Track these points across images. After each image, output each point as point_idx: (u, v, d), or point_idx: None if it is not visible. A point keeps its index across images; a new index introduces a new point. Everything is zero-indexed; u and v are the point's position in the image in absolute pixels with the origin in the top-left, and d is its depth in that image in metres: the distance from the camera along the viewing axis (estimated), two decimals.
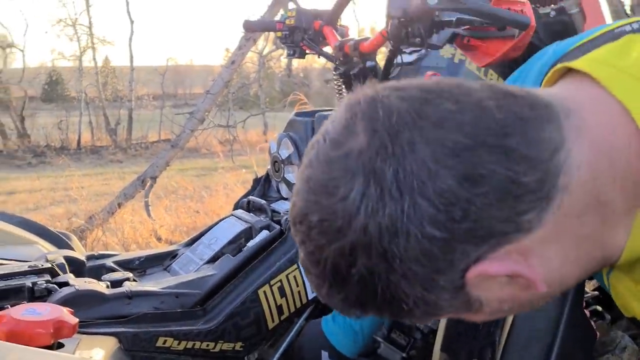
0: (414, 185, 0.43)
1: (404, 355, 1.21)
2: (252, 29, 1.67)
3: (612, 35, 0.58)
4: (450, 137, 0.44)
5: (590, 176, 0.48)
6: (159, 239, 3.98)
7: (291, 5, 4.40)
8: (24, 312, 0.78)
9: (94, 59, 15.65)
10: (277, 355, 1.13)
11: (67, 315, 0.80)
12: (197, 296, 1.05)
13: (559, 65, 0.57)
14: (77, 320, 0.80)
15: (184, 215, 4.89)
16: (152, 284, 1.05)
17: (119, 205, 4.24)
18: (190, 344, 0.99)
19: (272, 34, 4.43)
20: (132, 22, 14.43)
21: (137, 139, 14.71)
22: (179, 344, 0.98)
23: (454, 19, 1.04)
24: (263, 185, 1.37)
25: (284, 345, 1.14)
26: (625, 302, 0.61)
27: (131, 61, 14.71)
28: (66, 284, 0.98)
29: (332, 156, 0.45)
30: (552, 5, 1.37)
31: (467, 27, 1.06)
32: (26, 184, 8.60)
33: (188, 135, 4.60)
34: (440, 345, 1.21)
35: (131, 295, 0.99)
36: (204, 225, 4.60)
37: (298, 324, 1.14)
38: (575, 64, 0.54)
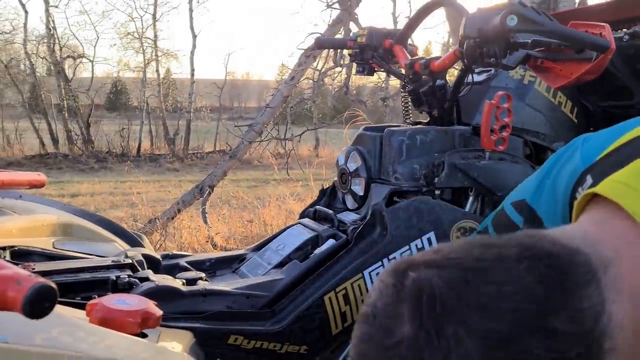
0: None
1: None
2: (324, 47, 1.73)
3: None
4: (493, 327, 0.44)
5: (634, 329, 0.48)
6: (214, 246, 4.08)
7: (352, 25, 4.42)
8: (115, 301, 0.85)
9: (157, 70, 16.21)
10: None
11: (152, 307, 0.85)
12: (266, 298, 1.09)
13: (587, 192, 0.57)
14: (161, 312, 0.85)
15: (238, 224, 4.99)
16: (224, 285, 1.11)
17: (179, 211, 4.38)
18: (258, 344, 1.03)
19: (331, 52, 4.50)
20: (194, 36, 14.94)
21: (193, 149, 15.12)
22: (248, 342, 1.02)
23: (529, 41, 1.05)
24: (329, 196, 1.41)
25: (344, 353, 1.16)
26: None
27: (192, 74, 15.18)
28: (146, 279, 1.04)
29: (386, 344, 0.47)
30: (625, 30, 1.36)
31: (542, 48, 1.07)
32: (88, 187, 8.98)
33: (246, 147, 4.72)
34: None
35: (206, 294, 1.04)
36: (257, 234, 4.66)
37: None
38: (603, 190, 0.54)
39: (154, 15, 15.72)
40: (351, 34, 1.62)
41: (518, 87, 1.31)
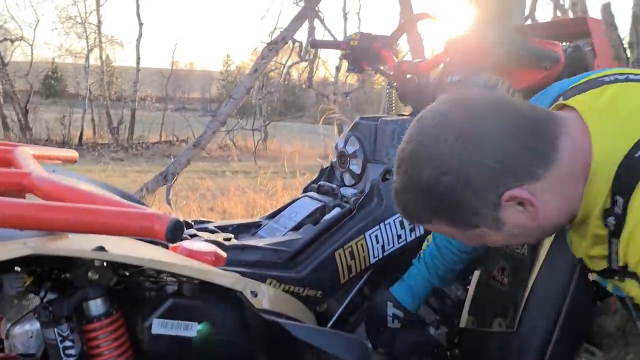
0: (483, 146, 0.80)
1: (437, 317, 1.51)
2: (319, 46, 1.98)
3: (595, 83, 0.91)
4: (499, 130, 0.81)
5: (571, 158, 0.82)
6: None
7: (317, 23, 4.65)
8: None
9: (101, 57, 15.91)
10: (341, 308, 1.42)
11: (219, 250, 1.09)
12: (289, 253, 1.34)
13: (560, 102, 0.93)
14: (225, 255, 1.09)
15: (197, 212, 5.17)
16: (254, 242, 1.35)
17: (141, 198, 4.51)
18: (287, 287, 1.28)
19: (297, 46, 4.74)
20: (141, 24, 14.76)
21: (138, 138, 14.96)
22: (279, 286, 1.27)
23: (502, 51, 1.35)
24: (328, 175, 1.67)
25: (347, 300, 1.43)
26: (575, 252, 0.95)
27: (137, 62, 15.01)
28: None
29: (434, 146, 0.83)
30: (569, 43, 1.69)
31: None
32: None
33: (209, 137, 4.89)
34: (468, 309, 1.51)
35: (243, 247, 1.28)
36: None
37: (358, 285, 1.43)
38: (569, 102, 0.90)
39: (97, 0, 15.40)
40: (344, 37, 1.88)
41: (486, 85, 1.60)
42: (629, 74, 0.91)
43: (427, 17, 1.73)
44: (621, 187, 0.79)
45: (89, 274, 0.99)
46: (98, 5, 15.39)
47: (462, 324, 1.45)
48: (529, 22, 4.17)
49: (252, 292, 1.01)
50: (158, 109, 16.56)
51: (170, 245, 1.06)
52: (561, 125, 0.83)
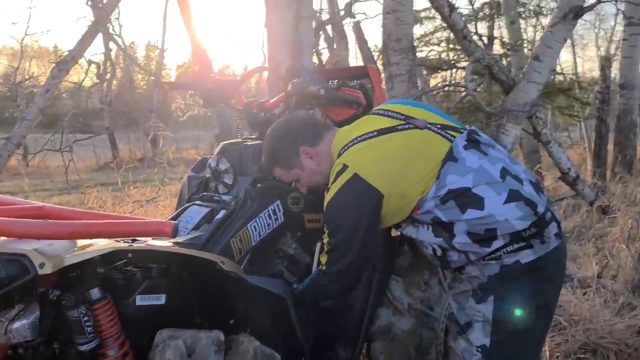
0: (284, 139, 1.89)
1: (295, 278, 2.17)
2: (178, 87, 2.47)
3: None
4: (297, 124, 1.92)
5: (328, 141, 1.86)
6: None
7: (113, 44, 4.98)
8: (151, 240, 1.56)
9: None
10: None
11: (168, 222, 1.60)
12: (199, 245, 1.86)
13: (338, 161, 1.80)
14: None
15: None
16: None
17: None
18: None
19: (93, 67, 4.94)
20: None
21: None
22: None
23: (324, 98, 2.07)
24: (204, 187, 2.21)
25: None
26: None
27: None
28: None
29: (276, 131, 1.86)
30: (356, 81, 2.51)
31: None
32: None
33: (5, 160, 4.80)
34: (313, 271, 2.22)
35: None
36: None
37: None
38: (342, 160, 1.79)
39: None
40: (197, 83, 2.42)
41: (313, 115, 2.32)
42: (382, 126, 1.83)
43: (263, 70, 2.38)
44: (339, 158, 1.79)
45: (97, 269, 1.43)
46: None
47: None
48: (315, 56, 5.12)
49: (222, 262, 1.55)
50: None
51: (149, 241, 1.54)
52: (327, 128, 1.90)
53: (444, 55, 9.85)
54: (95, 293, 1.46)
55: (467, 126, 1.84)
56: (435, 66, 8.40)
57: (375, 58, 6.45)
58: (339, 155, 1.78)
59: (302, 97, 2.07)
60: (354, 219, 1.69)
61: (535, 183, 1.75)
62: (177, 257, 1.53)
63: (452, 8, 3.97)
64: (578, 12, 4.38)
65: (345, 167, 1.70)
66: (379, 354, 2.10)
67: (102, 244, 1.35)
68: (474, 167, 1.67)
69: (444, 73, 9.61)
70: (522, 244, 1.64)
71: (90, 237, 1.29)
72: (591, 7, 4.62)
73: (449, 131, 1.77)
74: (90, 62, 5.17)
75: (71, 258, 1.23)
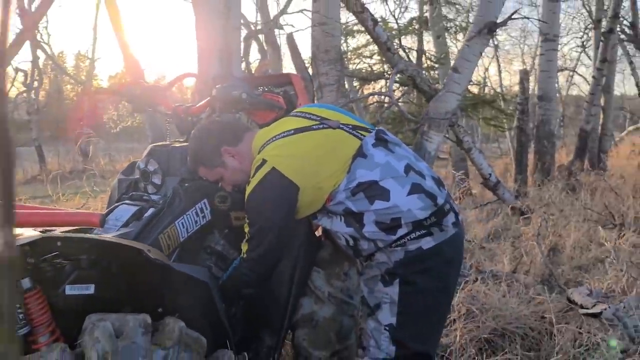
0: (207, 140, 2.04)
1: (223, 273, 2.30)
2: (102, 93, 2.56)
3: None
4: (220, 126, 2.11)
5: (248, 142, 2.03)
6: None
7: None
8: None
9: None
10: None
11: (94, 213, 1.70)
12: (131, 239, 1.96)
13: (258, 157, 1.97)
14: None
15: None
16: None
17: None
18: None
19: (20, 76, 4.87)
20: None
21: None
22: None
23: (247, 103, 2.22)
24: (133, 188, 2.30)
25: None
26: None
27: None
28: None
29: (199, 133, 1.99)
30: (281, 88, 2.68)
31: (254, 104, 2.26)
32: None
33: None
34: None
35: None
36: None
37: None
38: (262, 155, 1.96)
39: None
40: (126, 87, 2.51)
41: (239, 120, 2.47)
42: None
43: (190, 76, 2.51)
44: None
45: (27, 259, 1.51)
46: None
47: None
48: (243, 63, 5.24)
49: (148, 250, 1.66)
50: None
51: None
52: (247, 129, 2.04)
53: (376, 67, 10.23)
54: (25, 283, 1.54)
55: (376, 127, 2.04)
56: (367, 77, 8.73)
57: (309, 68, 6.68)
58: (259, 152, 1.93)
59: (227, 102, 2.21)
60: (271, 208, 1.85)
61: (437, 179, 1.96)
62: (106, 247, 1.63)
63: (376, 22, 4.22)
64: (491, 27, 4.75)
65: (264, 162, 1.85)
66: (302, 341, 2.25)
67: (31, 234, 1.43)
68: (381, 163, 1.87)
69: (375, 84, 9.98)
70: (424, 232, 1.84)
71: (18, 227, 1.38)
72: (504, 23, 5.02)
73: (359, 131, 1.96)
74: (17, 70, 5.11)
75: None
